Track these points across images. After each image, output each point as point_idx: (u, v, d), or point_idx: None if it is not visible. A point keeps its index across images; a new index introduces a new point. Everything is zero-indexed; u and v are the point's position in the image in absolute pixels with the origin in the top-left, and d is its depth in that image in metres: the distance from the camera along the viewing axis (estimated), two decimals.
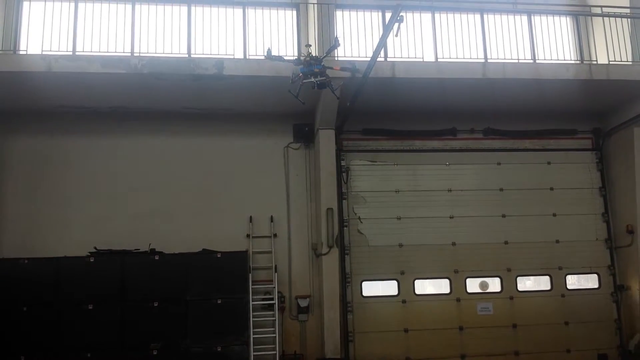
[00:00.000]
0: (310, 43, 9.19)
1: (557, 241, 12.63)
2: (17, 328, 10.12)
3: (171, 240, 11.06)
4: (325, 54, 8.70)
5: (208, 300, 10.55)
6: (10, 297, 10.20)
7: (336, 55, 11.49)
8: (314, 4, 11.60)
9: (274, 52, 11.46)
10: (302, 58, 8.56)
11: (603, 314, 12.51)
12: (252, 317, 10.79)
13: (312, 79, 8.44)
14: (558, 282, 12.55)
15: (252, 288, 10.96)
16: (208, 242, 11.12)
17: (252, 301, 10.92)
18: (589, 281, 12.80)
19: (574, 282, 12.76)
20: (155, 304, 10.43)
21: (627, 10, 12.03)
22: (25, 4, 11.66)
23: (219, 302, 10.58)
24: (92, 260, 10.57)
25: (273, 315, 11.14)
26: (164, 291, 10.53)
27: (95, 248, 10.76)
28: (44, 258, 10.50)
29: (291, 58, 8.60)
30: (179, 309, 10.50)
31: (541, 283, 12.67)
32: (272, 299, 11.27)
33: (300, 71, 8.53)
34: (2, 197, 11.38)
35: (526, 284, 12.67)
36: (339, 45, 8.61)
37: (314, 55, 8.50)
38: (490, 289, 12.40)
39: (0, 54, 10.54)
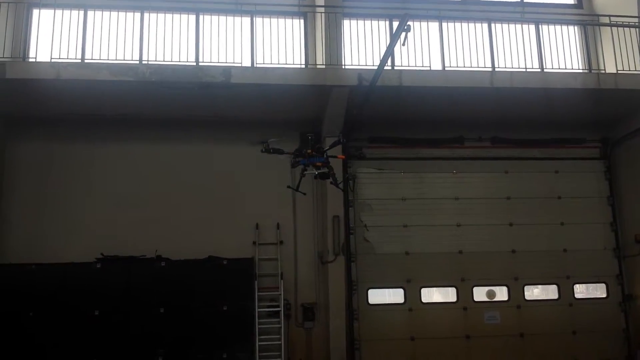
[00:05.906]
0: (311, 133, 8.62)
1: (565, 250, 12.56)
2: (23, 333, 10.17)
3: (178, 247, 11.06)
4: (328, 147, 8.35)
5: (214, 307, 10.58)
6: (17, 301, 10.26)
7: (343, 63, 11.53)
8: (321, 12, 11.66)
9: (282, 60, 11.73)
10: (304, 151, 8.13)
11: (611, 324, 12.44)
12: (258, 325, 10.84)
13: (314, 171, 8.08)
14: (566, 291, 12.49)
15: (257, 295, 11.00)
16: (214, 249, 11.13)
17: (258, 308, 10.95)
18: (597, 290, 12.75)
19: (581, 291, 12.71)
20: (162, 310, 10.46)
21: (636, 20, 11.97)
22: (35, 12, 11.76)
23: (225, 309, 10.61)
24: (98, 266, 10.64)
25: (279, 323, 11.13)
26: (169, 297, 10.57)
27: (101, 254, 10.80)
28: (51, 264, 10.56)
29: (291, 151, 8.19)
30: (185, 315, 10.53)
31: (549, 292, 12.62)
32: (277, 306, 11.25)
33: (301, 163, 8.14)
34: (9, 202, 11.39)
35: (534, 292, 12.61)
36: (344, 141, 8.35)
37: (315, 146, 8.16)
38: (498, 298, 12.35)
39: (9, 62, 10.58)
